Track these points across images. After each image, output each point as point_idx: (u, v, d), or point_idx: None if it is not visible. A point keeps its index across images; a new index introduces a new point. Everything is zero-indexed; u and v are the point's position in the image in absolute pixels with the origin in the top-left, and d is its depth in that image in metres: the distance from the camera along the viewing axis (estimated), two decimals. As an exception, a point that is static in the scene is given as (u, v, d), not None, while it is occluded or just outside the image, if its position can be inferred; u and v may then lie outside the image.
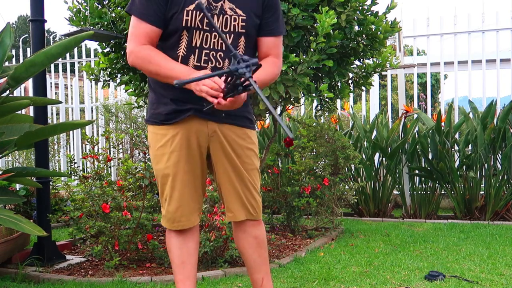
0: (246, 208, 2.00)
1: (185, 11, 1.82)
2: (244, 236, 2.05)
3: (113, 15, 3.61)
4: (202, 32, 1.84)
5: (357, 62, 3.82)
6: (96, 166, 3.50)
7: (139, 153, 5.01)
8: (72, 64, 7.79)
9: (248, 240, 2.05)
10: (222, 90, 1.66)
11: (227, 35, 1.86)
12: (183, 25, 1.83)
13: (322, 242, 3.82)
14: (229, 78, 1.62)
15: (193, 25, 1.83)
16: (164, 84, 1.88)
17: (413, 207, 5.08)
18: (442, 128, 4.92)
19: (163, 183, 1.95)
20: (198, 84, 1.68)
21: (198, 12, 1.83)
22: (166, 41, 1.88)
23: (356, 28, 3.47)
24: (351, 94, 4.39)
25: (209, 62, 1.85)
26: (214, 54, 1.86)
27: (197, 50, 1.85)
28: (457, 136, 5.25)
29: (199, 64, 1.85)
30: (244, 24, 1.88)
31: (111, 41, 3.63)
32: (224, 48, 1.86)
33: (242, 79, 1.59)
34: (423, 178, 5.15)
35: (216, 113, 1.83)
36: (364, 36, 3.55)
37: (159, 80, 1.87)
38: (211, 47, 1.85)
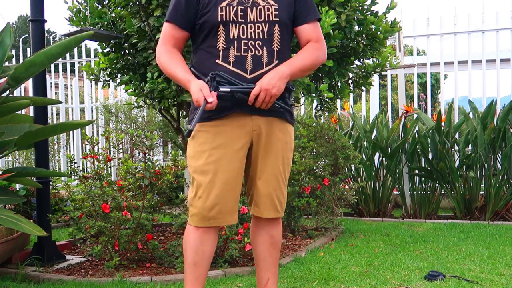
0: (274, 207, 2.03)
1: (219, 8, 1.92)
2: (260, 232, 2.08)
3: (113, 15, 3.61)
4: (238, 24, 1.92)
5: (357, 62, 3.82)
6: (96, 166, 3.50)
7: (139, 153, 5.00)
8: (72, 64, 7.79)
9: (264, 237, 2.07)
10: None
11: (262, 24, 1.94)
12: (219, 20, 1.91)
13: (322, 242, 3.82)
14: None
15: (228, 19, 1.91)
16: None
17: (413, 207, 5.08)
18: (442, 128, 4.92)
19: (201, 180, 1.93)
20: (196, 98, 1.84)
21: (231, 7, 1.92)
22: (206, 38, 1.96)
23: (356, 28, 3.47)
24: (351, 94, 4.40)
25: (249, 51, 1.93)
26: (253, 43, 1.93)
27: (236, 42, 1.92)
28: (457, 136, 5.25)
29: (239, 54, 1.92)
30: (277, 13, 1.95)
31: (111, 41, 3.63)
32: (261, 37, 1.94)
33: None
34: (423, 178, 5.15)
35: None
36: (364, 36, 3.55)
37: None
38: (249, 37, 1.93)
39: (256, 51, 1.92)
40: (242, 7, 1.92)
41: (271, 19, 1.94)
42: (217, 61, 1.93)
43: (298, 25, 2.02)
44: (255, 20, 1.93)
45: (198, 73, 1.99)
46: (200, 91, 1.81)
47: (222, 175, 1.91)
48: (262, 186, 2.00)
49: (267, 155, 1.98)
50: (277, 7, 1.95)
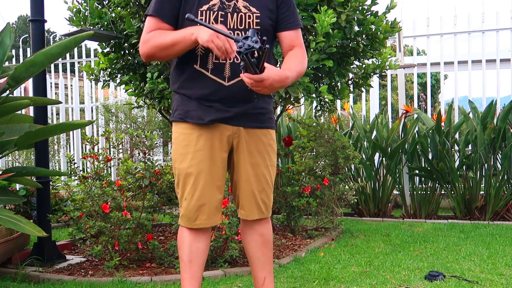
0: (259, 208, 2.04)
1: (199, 12, 1.88)
2: (250, 232, 2.09)
3: (113, 15, 3.62)
4: None
5: (356, 63, 3.82)
6: (96, 166, 3.50)
7: (139, 153, 5.01)
8: (72, 64, 7.79)
9: (254, 237, 2.08)
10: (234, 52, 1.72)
11: (243, 32, 1.91)
12: (198, 24, 1.86)
13: (322, 242, 3.82)
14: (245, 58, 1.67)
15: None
16: (186, 85, 1.93)
17: (413, 207, 5.08)
18: (442, 128, 4.92)
19: (185, 182, 1.95)
20: (214, 36, 1.71)
21: (211, 12, 1.88)
22: None
23: (356, 28, 3.47)
24: (351, 94, 4.40)
25: (227, 59, 1.90)
26: None
27: None
28: (457, 136, 5.25)
29: (218, 61, 1.91)
30: (258, 21, 1.93)
31: (111, 41, 3.64)
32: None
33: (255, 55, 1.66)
34: (423, 178, 5.15)
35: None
36: (364, 36, 3.55)
37: (171, 54, 1.90)
38: None
39: (235, 59, 1.90)
40: (223, 13, 1.89)
41: (251, 27, 1.92)
42: (194, 66, 1.91)
43: (282, 30, 2.00)
44: (235, 28, 1.90)
45: (178, 76, 1.97)
46: (218, 39, 1.71)
47: (205, 177, 1.93)
48: (246, 188, 2.01)
49: (249, 158, 1.99)
50: (258, 14, 1.92)
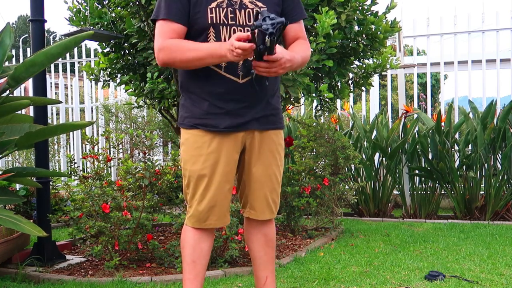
0: (270, 208, 2.05)
1: (208, 9, 1.86)
2: (254, 232, 2.09)
3: (113, 15, 3.62)
4: (228, 27, 1.88)
5: (356, 62, 3.82)
6: (96, 166, 3.50)
7: (139, 153, 5.00)
8: (72, 64, 7.79)
9: (257, 236, 2.09)
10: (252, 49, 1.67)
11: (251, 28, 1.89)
12: (209, 22, 1.86)
13: (322, 242, 3.82)
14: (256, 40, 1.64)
15: (218, 21, 1.87)
16: (198, 84, 1.91)
17: (413, 207, 5.08)
18: (442, 128, 4.92)
19: (197, 184, 1.94)
20: (233, 45, 1.68)
21: (221, 9, 1.87)
22: (195, 40, 1.89)
23: (356, 28, 3.47)
24: (351, 94, 4.40)
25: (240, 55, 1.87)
26: None
27: None
28: (457, 136, 5.25)
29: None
30: None
31: (111, 41, 3.64)
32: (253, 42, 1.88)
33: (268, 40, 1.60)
34: (423, 178, 5.15)
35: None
36: (364, 36, 3.55)
37: (191, 66, 1.87)
38: None
39: (247, 56, 1.87)
40: (231, 9, 1.88)
41: None
42: None
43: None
44: (244, 24, 1.89)
45: (188, 75, 1.94)
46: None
47: (218, 179, 1.93)
48: (257, 188, 2.01)
49: (261, 158, 1.99)
50: (265, 8, 1.91)
